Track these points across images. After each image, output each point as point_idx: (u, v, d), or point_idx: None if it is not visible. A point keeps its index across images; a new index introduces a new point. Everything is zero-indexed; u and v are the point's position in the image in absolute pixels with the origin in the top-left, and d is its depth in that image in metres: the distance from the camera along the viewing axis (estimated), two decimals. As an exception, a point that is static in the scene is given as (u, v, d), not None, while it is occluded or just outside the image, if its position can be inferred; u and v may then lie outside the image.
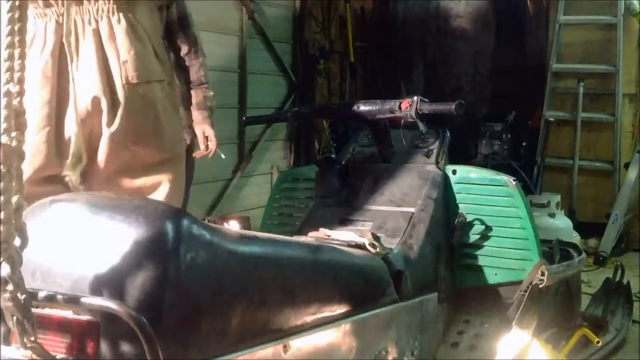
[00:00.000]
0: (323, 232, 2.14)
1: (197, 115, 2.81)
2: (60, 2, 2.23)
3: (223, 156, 3.14)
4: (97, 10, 2.24)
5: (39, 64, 2.23)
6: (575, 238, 4.89)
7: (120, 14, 2.26)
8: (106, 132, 2.28)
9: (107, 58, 2.26)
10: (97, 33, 2.25)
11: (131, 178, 2.36)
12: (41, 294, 1.27)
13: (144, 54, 2.32)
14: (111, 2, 2.24)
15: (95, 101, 2.25)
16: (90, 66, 2.26)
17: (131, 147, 2.32)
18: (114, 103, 2.27)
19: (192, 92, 2.79)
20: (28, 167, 2.23)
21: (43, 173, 2.27)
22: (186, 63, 2.74)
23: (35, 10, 2.23)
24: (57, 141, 2.27)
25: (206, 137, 2.84)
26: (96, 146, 2.31)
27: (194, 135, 2.90)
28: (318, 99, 6.69)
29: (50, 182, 2.27)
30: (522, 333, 2.28)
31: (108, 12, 2.24)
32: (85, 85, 2.26)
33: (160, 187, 2.39)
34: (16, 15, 1.15)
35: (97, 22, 2.25)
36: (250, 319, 1.42)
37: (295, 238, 2.02)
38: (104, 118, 2.27)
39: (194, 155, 3.00)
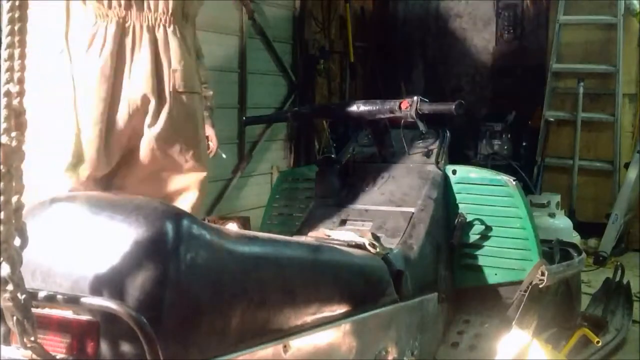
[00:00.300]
0: (323, 232, 2.14)
1: (198, 115, 2.81)
2: (122, 6, 2.32)
3: (224, 156, 3.15)
4: (156, 19, 2.37)
5: (98, 63, 2.31)
6: (575, 238, 4.89)
7: (176, 26, 2.38)
8: (148, 133, 2.34)
9: (160, 64, 2.36)
10: (153, 40, 2.36)
11: (164, 183, 2.41)
12: (41, 294, 1.27)
13: (191, 66, 2.44)
14: (169, 14, 2.36)
15: (145, 100, 2.32)
16: (143, 69, 2.35)
17: (169, 151, 2.38)
18: (159, 107, 2.35)
19: None
20: (86, 164, 2.29)
21: (95, 172, 2.32)
22: None
23: (97, 11, 2.31)
24: (106, 138, 2.34)
25: (207, 137, 2.85)
26: (135, 145, 2.36)
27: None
28: (318, 99, 6.69)
29: (97, 183, 2.33)
30: (522, 333, 2.28)
31: (165, 22, 2.37)
32: (136, 86, 2.34)
33: (188, 195, 2.44)
34: (16, 15, 1.15)
35: (154, 29, 2.36)
36: (250, 319, 1.42)
37: (295, 238, 2.02)
38: (148, 119, 2.34)
39: None
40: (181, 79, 2.36)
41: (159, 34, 2.35)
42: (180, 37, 2.38)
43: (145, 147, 2.36)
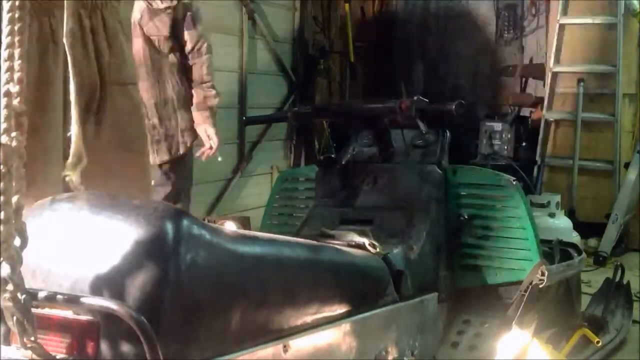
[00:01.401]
0: (323, 232, 2.14)
1: (197, 115, 2.81)
2: None
3: (220, 159, 3.13)
4: (91, 7, 2.26)
5: (51, 59, 2.26)
6: (575, 238, 4.89)
7: (111, 15, 2.27)
8: (96, 128, 2.30)
9: (99, 56, 2.28)
10: (90, 30, 2.27)
11: (117, 177, 2.38)
12: (41, 294, 1.27)
13: (128, 56, 2.34)
14: (103, 1, 2.27)
15: (90, 99, 2.28)
16: (82, 64, 2.28)
17: (119, 150, 2.34)
18: (102, 103, 2.29)
19: (194, 92, 2.79)
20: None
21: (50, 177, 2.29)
22: (189, 61, 2.72)
23: (35, 7, 2.24)
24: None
25: (208, 137, 2.84)
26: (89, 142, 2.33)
27: (194, 137, 2.90)
28: (318, 99, 6.69)
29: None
30: (522, 333, 2.28)
31: (102, 8, 2.26)
32: (79, 84, 2.29)
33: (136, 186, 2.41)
34: (16, 15, 1.15)
35: (89, 19, 2.27)
36: (250, 319, 1.42)
37: (295, 238, 2.02)
38: (92, 119, 2.29)
39: (198, 156, 2.99)
40: (120, 71, 2.25)
41: (96, 23, 2.19)
42: (118, 26, 2.24)
43: (95, 142, 2.31)
